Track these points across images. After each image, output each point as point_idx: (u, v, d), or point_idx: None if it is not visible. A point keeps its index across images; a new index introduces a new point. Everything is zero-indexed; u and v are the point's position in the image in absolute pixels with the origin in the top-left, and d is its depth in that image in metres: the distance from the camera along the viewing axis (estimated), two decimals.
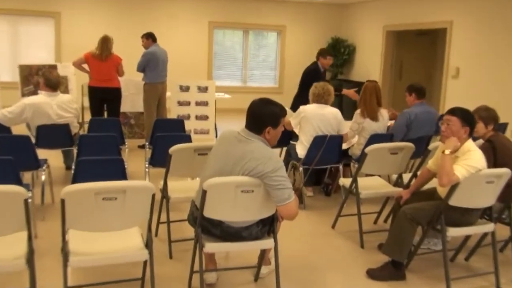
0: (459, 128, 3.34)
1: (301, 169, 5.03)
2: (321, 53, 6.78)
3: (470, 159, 3.25)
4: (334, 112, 5.04)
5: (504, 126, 5.99)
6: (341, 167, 5.20)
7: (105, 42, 6.56)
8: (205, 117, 7.45)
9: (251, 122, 2.88)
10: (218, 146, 2.96)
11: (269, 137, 2.88)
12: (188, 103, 7.37)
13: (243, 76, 12.11)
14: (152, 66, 7.07)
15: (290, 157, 5.28)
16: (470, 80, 8.07)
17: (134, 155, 6.71)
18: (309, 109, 4.99)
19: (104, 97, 6.68)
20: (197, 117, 7.42)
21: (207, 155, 3.46)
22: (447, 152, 3.27)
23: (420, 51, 10.66)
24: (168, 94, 7.48)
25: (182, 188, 3.97)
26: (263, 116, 2.84)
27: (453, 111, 3.41)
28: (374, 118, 5.11)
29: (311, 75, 6.59)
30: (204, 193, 2.79)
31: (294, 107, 5.69)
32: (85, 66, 6.71)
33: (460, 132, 3.35)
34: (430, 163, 3.73)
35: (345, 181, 4.48)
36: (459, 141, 3.33)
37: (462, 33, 8.28)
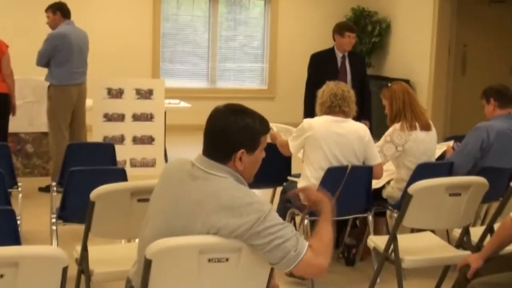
0: None
1: (306, 222, 5.03)
2: (336, 29, 6.89)
3: None
4: (359, 129, 5.08)
5: None
6: (370, 218, 5.22)
7: None
8: (149, 140, 7.44)
9: (212, 145, 2.88)
10: (162, 189, 2.96)
11: (242, 167, 2.87)
12: (122, 117, 7.36)
13: (210, 72, 12.17)
14: (62, 57, 7.08)
15: (288, 203, 5.27)
16: None
17: (33, 204, 6.63)
18: (318, 124, 5.02)
19: None
20: (135, 140, 7.41)
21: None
22: None
23: (495, 29, 10.84)
24: (88, 102, 7.47)
25: (113, 256, 3.92)
26: (231, 133, 2.85)
27: None
28: (426, 125, 5.21)
29: (312, 65, 6.83)
30: (147, 264, 2.78)
31: (310, 114, 5.74)
32: None
33: None
34: None
35: (377, 241, 4.49)
36: None
37: None
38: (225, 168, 2.85)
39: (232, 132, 2.84)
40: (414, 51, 11.23)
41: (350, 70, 6.96)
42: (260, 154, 2.93)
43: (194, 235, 2.77)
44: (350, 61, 6.96)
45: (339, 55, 6.88)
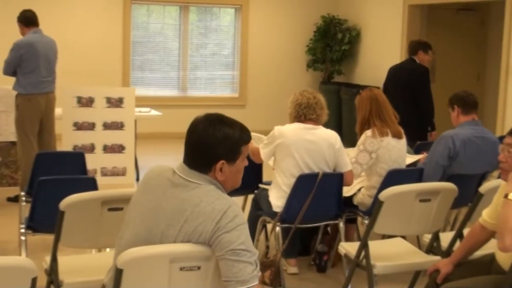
0: None
1: (277, 229, 5.03)
2: (422, 46, 7.64)
3: None
4: (330, 136, 5.10)
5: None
6: (342, 224, 5.24)
7: None
8: (119, 148, 7.42)
9: (193, 155, 2.88)
10: (142, 195, 2.95)
11: (222, 177, 2.88)
12: (92, 126, 7.33)
13: (181, 80, 12.17)
14: (28, 66, 7.02)
15: (259, 211, 5.29)
16: None
17: (2, 214, 6.63)
18: (288, 132, 5.04)
19: None
20: (106, 149, 7.38)
21: (125, 210, 3.39)
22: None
23: (463, 36, 10.96)
24: (58, 111, 7.42)
25: (83, 266, 3.90)
26: (211, 144, 2.85)
27: None
28: (397, 133, 5.24)
29: (424, 76, 7.48)
30: (118, 273, 2.77)
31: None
32: None
33: None
34: (485, 215, 3.80)
35: (348, 248, 4.50)
36: None
37: None
38: (206, 177, 2.86)
39: (212, 144, 2.84)
40: (384, 58, 11.28)
41: None
42: (241, 163, 2.93)
43: (172, 241, 2.77)
44: None
45: None
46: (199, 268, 2.81)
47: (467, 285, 3.51)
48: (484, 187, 4.27)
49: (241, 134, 2.91)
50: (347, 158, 5.13)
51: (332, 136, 5.10)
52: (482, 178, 5.22)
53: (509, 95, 8.80)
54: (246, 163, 2.96)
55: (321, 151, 5.03)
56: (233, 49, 12.36)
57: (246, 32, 12.16)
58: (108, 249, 4.17)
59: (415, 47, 7.69)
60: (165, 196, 2.85)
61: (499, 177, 3.97)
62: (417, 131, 6.98)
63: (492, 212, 3.71)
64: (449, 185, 4.39)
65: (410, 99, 7.47)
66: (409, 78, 7.57)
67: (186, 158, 2.90)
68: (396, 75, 7.85)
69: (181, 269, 2.80)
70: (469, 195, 4.75)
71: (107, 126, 7.36)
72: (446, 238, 4.46)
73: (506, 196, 3.34)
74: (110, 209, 3.70)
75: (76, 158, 5.58)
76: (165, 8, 12.05)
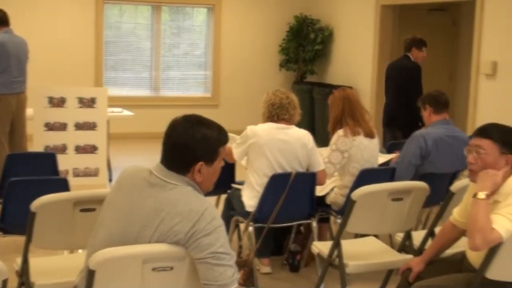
0: (496, 158, 3.46)
1: (250, 229, 5.04)
2: (415, 43, 7.69)
3: None
4: (302, 136, 5.12)
5: None
6: (315, 224, 5.26)
7: None
8: (92, 149, 7.38)
9: (171, 156, 2.88)
10: (117, 195, 2.94)
11: (201, 178, 2.88)
12: (64, 126, 7.29)
13: (154, 80, 12.13)
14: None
15: (232, 210, 5.29)
16: None
17: None
18: (261, 131, 5.04)
19: None
20: (78, 149, 7.33)
21: (97, 211, 3.38)
22: (481, 196, 3.37)
23: (435, 36, 11.03)
24: (29, 111, 7.37)
25: (55, 268, 3.88)
26: (190, 146, 2.85)
27: (485, 131, 3.53)
28: (369, 133, 5.27)
29: (413, 73, 7.52)
30: (90, 274, 2.75)
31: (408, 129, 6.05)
32: None
33: (498, 164, 3.46)
34: (456, 214, 3.83)
35: (321, 247, 4.52)
36: (499, 177, 3.45)
37: (500, 9, 8.63)
38: (184, 178, 2.86)
39: (191, 145, 2.84)
40: (356, 58, 11.34)
41: None
42: (219, 164, 2.94)
43: (147, 241, 2.77)
44: None
45: None
46: (171, 268, 2.81)
47: (438, 283, 3.54)
48: (455, 186, 4.30)
49: (219, 135, 2.92)
50: (320, 158, 5.15)
51: (305, 135, 5.12)
52: (454, 177, 5.27)
53: (480, 94, 8.87)
54: (222, 163, 2.97)
55: (294, 150, 5.04)
56: (206, 49, 12.34)
57: (218, 32, 12.15)
58: (80, 250, 4.14)
59: (409, 44, 7.80)
60: (141, 196, 2.84)
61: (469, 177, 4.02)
62: (410, 128, 7.02)
63: (462, 210, 3.75)
64: (421, 184, 4.42)
65: (402, 96, 7.60)
66: (400, 75, 7.74)
67: (164, 159, 2.89)
68: (389, 72, 8.01)
69: (153, 269, 2.79)
70: (440, 194, 4.79)
71: (79, 126, 7.31)
72: (418, 236, 4.48)
73: (475, 195, 3.38)
74: (82, 210, 3.68)
75: (48, 159, 5.55)
76: (137, 8, 12.00)
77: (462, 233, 3.80)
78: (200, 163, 2.85)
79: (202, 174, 2.87)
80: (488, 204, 3.36)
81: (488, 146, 3.47)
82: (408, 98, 7.44)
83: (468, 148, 3.58)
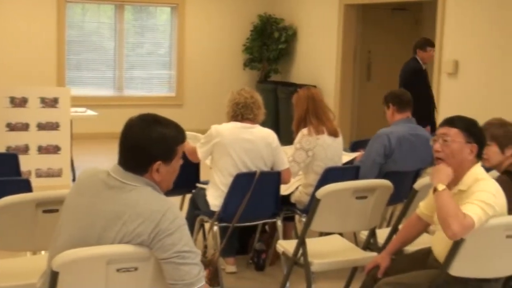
0: (462, 146, 3.52)
1: (215, 228, 5.03)
2: (419, 45, 7.74)
3: (482, 191, 3.40)
4: (267, 135, 5.12)
5: None
6: (279, 223, 5.26)
7: None
8: (55, 149, 7.32)
9: (128, 157, 2.85)
10: (76, 198, 2.91)
11: (159, 178, 2.86)
12: (26, 127, 7.21)
13: (117, 79, 12.06)
14: None
15: (197, 210, 5.27)
16: (475, 80, 8.48)
17: None
18: (226, 131, 5.04)
19: None
20: (40, 149, 7.26)
21: (60, 212, 3.36)
22: (441, 187, 3.40)
23: (397, 36, 11.13)
24: None
25: (17, 270, 3.85)
26: (147, 146, 2.83)
27: (452, 121, 3.59)
28: (333, 132, 5.29)
29: (410, 75, 7.52)
30: (54, 276, 2.73)
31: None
32: None
33: (463, 152, 3.52)
34: (422, 207, 3.86)
35: (286, 246, 4.53)
36: (463, 166, 3.51)
37: (461, 8, 8.73)
38: (142, 178, 2.83)
39: (148, 145, 2.82)
40: (320, 57, 11.39)
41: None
42: (177, 163, 2.92)
43: (110, 243, 2.75)
44: (426, 71, 7.94)
45: (422, 66, 7.77)
46: (136, 269, 2.79)
47: (402, 280, 3.56)
48: (418, 184, 4.34)
49: (177, 134, 2.90)
50: (285, 157, 5.16)
51: (269, 135, 5.12)
52: (417, 175, 5.32)
53: (442, 93, 8.96)
54: (181, 162, 2.95)
55: (258, 150, 5.04)
56: (169, 48, 12.29)
57: (182, 31, 12.11)
58: (43, 252, 4.10)
59: (414, 46, 7.94)
60: (100, 198, 2.82)
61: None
62: None
63: (428, 204, 3.80)
64: (385, 182, 4.45)
65: None
66: (401, 77, 7.90)
67: (122, 159, 2.86)
68: (399, 75, 8.10)
69: (118, 270, 2.77)
70: (404, 192, 4.83)
71: (41, 126, 7.24)
72: (382, 234, 4.52)
73: (434, 190, 3.41)
74: (45, 211, 3.64)
75: (10, 160, 5.48)
76: (100, 7, 11.92)
77: (426, 226, 3.87)
78: (158, 162, 2.83)
79: (160, 174, 2.85)
80: (450, 193, 3.40)
81: (454, 134, 3.53)
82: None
83: (434, 137, 3.64)
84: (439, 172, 3.48)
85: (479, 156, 3.57)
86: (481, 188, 3.41)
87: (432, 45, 7.88)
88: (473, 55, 8.52)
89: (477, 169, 3.53)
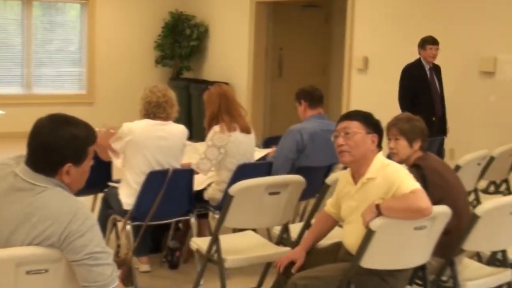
0: (364, 137, 3.63)
1: (128, 227, 5.00)
2: (419, 44, 7.47)
3: (398, 170, 3.56)
4: (180, 132, 5.13)
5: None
6: (193, 220, 5.26)
7: None
8: None
9: (37, 158, 2.78)
10: None
11: (69, 179, 2.80)
12: None
13: (25, 77, 11.80)
14: None
15: (109, 209, 5.22)
16: (384, 76, 8.68)
17: None
18: (138, 128, 5.00)
19: None
20: None
21: None
22: (379, 201, 3.46)
23: (308, 33, 11.27)
24: None
25: None
26: (57, 147, 2.76)
27: (350, 115, 3.73)
28: (245, 128, 5.33)
29: (406, 76, 7.36)
30: None
31: None
32: None
33: (366, 143, 3.63)
34: (329, 205, 3.94)
35: (200, 243, 4.53)
36: (367, 156, 3.62)
37: (370, 6, 8.90)
38: (53, 180, 2.77)
39: (57, 147, 2.74)
40: (232, 55, 11.43)
41: (437, 81, 7.54)
42: (88, 164, 2.86)
43: (18, 246, 2.69)
44: (435, 72, 7.54)
45: (426, 66, 7.40)
46: (47, 271, 2.74)
47: (315, 274, 3.62)
48: (330, 178, 4.39)
49: (88, 134, 2.84)
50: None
51: (182, 131, 5.16)
52: (329, 169, 5.40)
53: (352, 88, 9.14)
54: (92, 162, 2.90)
55: (172, 146, 5.06)
56: (80, 44, 12.12)
57: (93, 28, 11.95)
58: None
59: (418, 46, 7.66)
60: (7, 201, 2.74)
61: (344, 168, 4.13)
62: None
63: (334, 202, 3.90)
64: (298, 177, 4.49)
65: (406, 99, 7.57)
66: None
67: (30, 161, 2.78)
68: None
69: (27, 272, 2.72)
70: (316, 187, 4.88)
71: None
72: (295, 229, 4.56)
73: (377, 207, 3.45)
74: None
75: None
76: (6, 3, 11.62)
77: (336, 222, 3.96)
78: (68, 164, 2.77)
79: (70, 176, 2.79)
80: (388, 198, 3.48)
81: (355, 126, 3.64)
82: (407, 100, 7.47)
83: (335, 134, 3.71)
84: (365, 211, 3.51)
85: (379, 146, 3.69)
86: (394, 169, 3.57)
87: (431, 42, 7.51)
88: (381, 52, 8.72)
89: (380, 157, 3.67)
